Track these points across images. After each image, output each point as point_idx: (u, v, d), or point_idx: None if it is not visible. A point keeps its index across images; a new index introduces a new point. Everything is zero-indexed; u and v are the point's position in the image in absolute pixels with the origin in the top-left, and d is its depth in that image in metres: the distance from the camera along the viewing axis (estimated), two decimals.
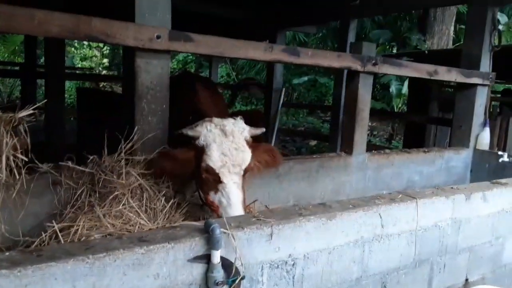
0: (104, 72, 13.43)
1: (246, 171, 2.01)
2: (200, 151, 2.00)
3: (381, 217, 2.00)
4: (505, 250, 2.68)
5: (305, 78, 12.20)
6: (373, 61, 3.39)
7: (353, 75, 3.46)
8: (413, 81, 7.00)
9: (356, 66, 3.32)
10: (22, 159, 1.90)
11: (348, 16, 6.01)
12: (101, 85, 12.00)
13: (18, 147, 1.89)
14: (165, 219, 2.22)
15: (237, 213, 1.87)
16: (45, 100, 2.08)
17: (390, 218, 2.04)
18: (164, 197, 2.26)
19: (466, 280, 2.46)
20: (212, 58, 8.92)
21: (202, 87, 2.91)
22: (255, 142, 2.16)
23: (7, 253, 1.20)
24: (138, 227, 2.05)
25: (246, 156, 1.98)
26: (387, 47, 11.20)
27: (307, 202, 3.17)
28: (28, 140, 1.92)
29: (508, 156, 3.88)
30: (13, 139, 1.86)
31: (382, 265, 2.03)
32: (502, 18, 4.39)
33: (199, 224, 1.55)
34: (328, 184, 3.38)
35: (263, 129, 2.16)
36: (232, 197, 1.92)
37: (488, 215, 2.53)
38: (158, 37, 2.35)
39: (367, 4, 5.63)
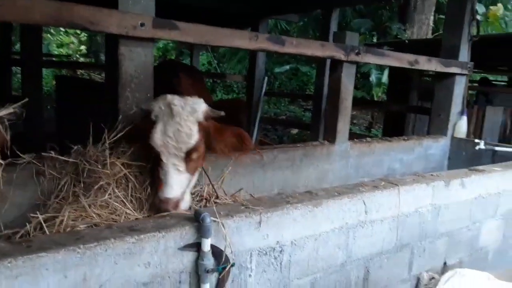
0: (81, 59, 13.08)
1: (190, 153, 1.94)
2: (153, 126, 1.99)
3: (365, 204, 2.06)
4: (481, 234, 2.80)
5: (287, 67, 12.20)
6: (356, 51, 3.43)
7: (336, 64, 3.49)
8: (394, 71, 7.10)
9: (340, 55, 3.35)
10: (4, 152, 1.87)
11: (330, 5, 6.03)
12: (78, 73, 11.68)
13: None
14: (151, 208, 2.22)
15: (171, 194, 1.85)
16: (26, 99, 2.01)
17: (374, 205, 2.10)
18: (149, 187, 2.25)
19: (445, 263, 2.57)
20: (194, 46, 8.80)
21: (185, 76, 2.89)
22: (229, 125, 2.14)
23: None
24: (124, 217, 2.04)
25: (189, 139, 1.91)
26: (368, 36, 11.30)
27: (291, 190, 3.21)
28: (8, 138, 1.88)
29: (485, 144, 4.02)
30: None
31: (365, 250, 2.09)
32: (480, 8, 4.47)
33: (189, 213, 1.56)
34: (311, 172, 3.43)
35: (222, 113, 2.09)
36: (168, 177, 1.89)
37: (466, 201, 2.63)
38: (142, 24, 2.31)
39: None
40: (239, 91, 13.24)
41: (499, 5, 10.49)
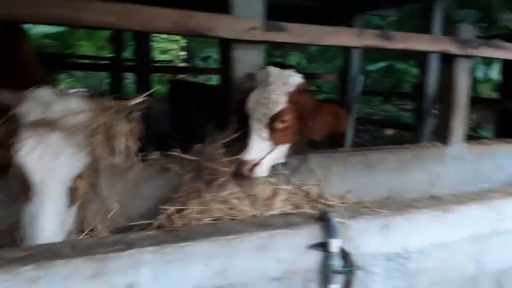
0: (182, 64, 14.09)
1: (274, 121, 1.99)
2: None
3: (498, 212, 1.86)
4: None
5: (381, 64, 11.65)
6: (472, 44, 3.15)
7: (450, 59, 3.24)
8: (508, 65, 6.35)
9: (454, 49, 3.10)
10: (136, 144, 2.05)
11: None
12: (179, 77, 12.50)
13: (134, 133, 2.04)
14: (265, 205, 2.27)
15: (247, 156, 1.94)
16: (155, 88, 2.21)
17: (508, 214, 1.89)
18: (262, 184, 2.31)
19: None
20: (285, 47, 8.90)
21: None
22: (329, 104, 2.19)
23: (150, 232, 1.30)
24: (242, 213, 2.12)
25: (275, 106, 1.98)
26: (476, 28, 10.27)
27: (399, 194, 3.05)
28: (141, 127, 2.06)
29: None
30: (128, 125, 2.00)
31: (499, 264, 1.90)
32: None
33: (314, 212, 1.56)
34: (421, 175, 3.21)
35: (312, 88, 2.18)
36: (249, 140, 1.98)
37: None
38: (254, 28, 2.37)
39: None
40: (329, 91, 13.02)
41: None
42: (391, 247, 1.64)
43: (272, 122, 2.01)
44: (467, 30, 3.17)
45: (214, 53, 13.71)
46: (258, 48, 2.50)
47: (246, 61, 2.45)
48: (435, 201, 1.79)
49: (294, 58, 13.65)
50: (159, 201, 2.23)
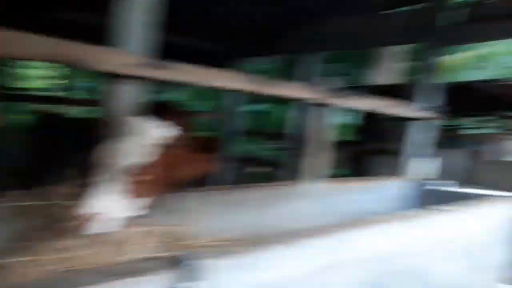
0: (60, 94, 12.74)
1: (124, 175, 1.85)
2: None
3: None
4: None
5: (255, 107, 12.38)
6: (338, 94, 3.58)
7: (316, 105, 3.63)
8: (367, 114, 7.44)
9: (321, 97, 3.48)
10: None
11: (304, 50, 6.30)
12: None
13: None
14: (116, 251, 2.08)
15: (85, 209, 1.75)
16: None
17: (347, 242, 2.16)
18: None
19: None
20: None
21: (172, 115, 2.89)
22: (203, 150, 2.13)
23: None
24: (83, 261, 1.88)
25: (127, 159, 1.85)
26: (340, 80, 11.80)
27: (261, 230, 3.12)
28: None
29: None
30: None
31: None
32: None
33: (169, 255, 1.52)
34: (279, 211, 3.35)
35: (179, 131, 2.07)
36: (92, 191, 1.80)
37: None
38: (135, 64, 2.29)
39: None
40: (212, 129, 13.19)
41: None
42: (250, 284, 1.69)
43: (123, 175, 1.85)
44: (333, 82, 3.64)
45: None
46: (137, 84, 2.41)
47: (121, 97, 2.32)
48: (289, 235, 1.93)
49: (172, 95, 13.54)
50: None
